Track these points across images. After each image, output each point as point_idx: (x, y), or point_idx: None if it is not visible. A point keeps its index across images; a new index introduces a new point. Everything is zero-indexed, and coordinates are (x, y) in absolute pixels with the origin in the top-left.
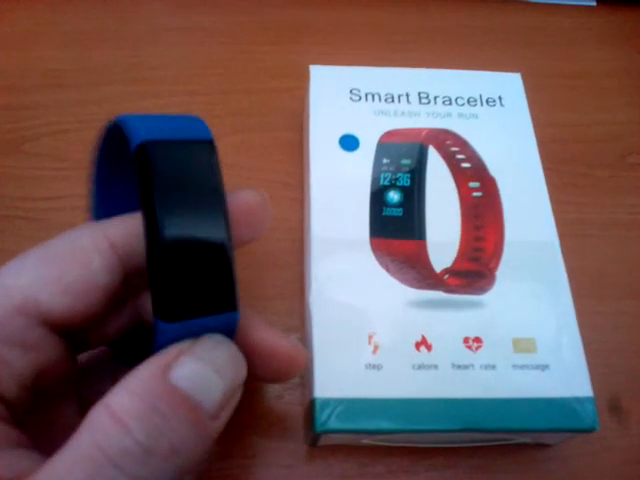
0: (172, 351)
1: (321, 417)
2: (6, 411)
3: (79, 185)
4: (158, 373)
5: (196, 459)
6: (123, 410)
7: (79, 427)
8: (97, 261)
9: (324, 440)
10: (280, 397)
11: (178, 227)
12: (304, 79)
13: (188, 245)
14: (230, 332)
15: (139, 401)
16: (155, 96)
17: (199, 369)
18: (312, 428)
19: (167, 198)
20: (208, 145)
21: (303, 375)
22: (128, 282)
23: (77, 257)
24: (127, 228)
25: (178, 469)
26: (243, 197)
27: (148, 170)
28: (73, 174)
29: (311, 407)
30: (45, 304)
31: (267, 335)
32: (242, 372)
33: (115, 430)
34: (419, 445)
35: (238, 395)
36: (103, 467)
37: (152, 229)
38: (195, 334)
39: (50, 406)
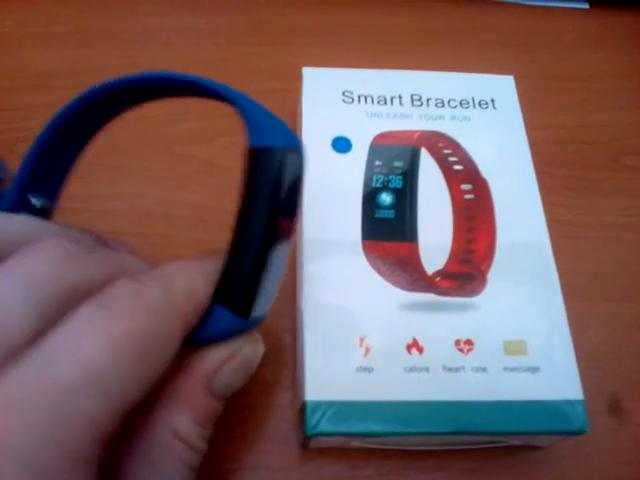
0: (215, 360)
1: (312, 420)
2: None
3: (72, 186)
4: (205, 387)
5: None
6: (189, 436)
7: (150, 446)
8: (174, 350)
9: (315, 443)
10: (271, 399)
11: (275, 243)
12: (297, 81)
13: (273, 259)
14: (257, 325)
15: (198, 427)
16: None
17: (235, 378)
18: (303, 431)
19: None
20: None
21: (294, 378)
22: None
23: (163, 351)
24: (198, 310)
25: None
26: None
27: (280, 180)
28: None
29: (302, 410)
30: (134, 403)
31: None
32: (259, 359)
33: (186, 448)
34: (410, 448)
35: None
36: (188, 472)
37: (260, 234)
38: (243, 330)
39: None
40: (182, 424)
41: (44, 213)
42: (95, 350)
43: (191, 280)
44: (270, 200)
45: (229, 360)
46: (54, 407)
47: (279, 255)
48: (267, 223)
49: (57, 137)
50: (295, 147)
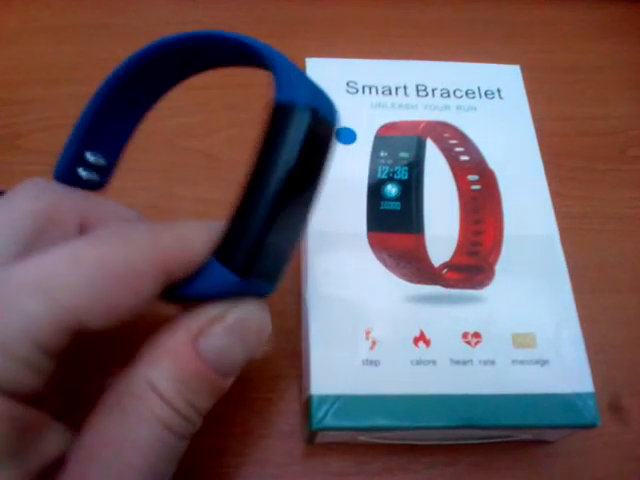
0: (203, 317)
1: (318, 414)
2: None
3: None
4: (189, 343)
5: None
6: (168, 392)
7: (122, 396)
8: (147, 289)
9: (321, 437)
10: (276, 394)
11: (286, 204)
12: None
13: (284, 221)
14: (262, 296)
15: (179, 384)
16: None
17: (226, 342)
18: (309, 425)
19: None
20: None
21: (300, 371)
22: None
23: (130, 281)
24: (183, 249)
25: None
26: None
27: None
28: None
29: (308, 404)
30: (88, 324)
31: None
32: (265, 338)
33: (166, 407)
34: (418, 442)
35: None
36: (165, 432)
37: (271, 189)
38: (240, 292)
39: None
40: (160, 378)
41: (100, 171)
42: (55, 259)
43: (187, 229)
44: (286, 153)
45: (219, 319)
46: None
47: (292, 215)
48: (280, 178)
49: (116, 95)
50: (323, 106)
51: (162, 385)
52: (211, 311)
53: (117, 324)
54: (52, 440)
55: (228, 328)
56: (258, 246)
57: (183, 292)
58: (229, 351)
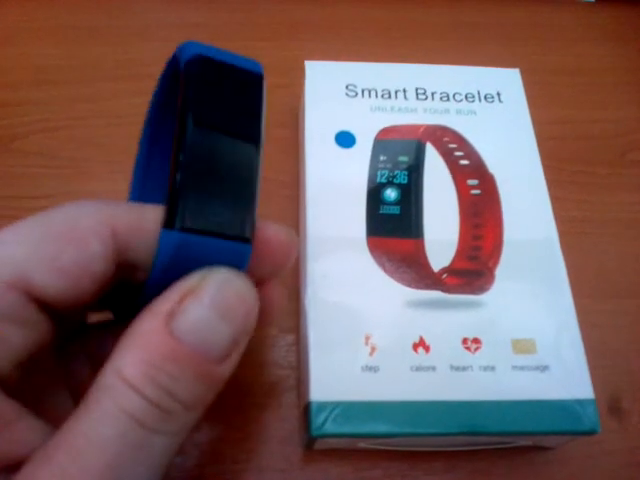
0: (174, 295)
1: (317, 421)
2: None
3: (70, 183)
4: (160, 326)
5: (208, 404)
6: (135, 377)
7: (92, 391)
8: (95, 246)
9: (320, 444)
10: (275, 400)
11: (209, 134)
12: (299, 76)
13: (215, 152)
14: (239, 266)
15: (147, 367)
16: (147, 93)
17: (204, 317)
18: (308, 432)
19: (206, 103)
20: (257, 76)
21: (298, 377)
22: (120, 273)
23: (74, 236)
24: (133, 218)
25: (198, 415)
26: (275, 231)
27: (189, 85)
28: (63, 172)
29: (307, 410)
30: (38, 283)
31: (267, 229)
32: (252, 309)
33: (132, 394)
34: (417, 449)
35: (252, 331)
36: (132, 425)
37: (182, 134)
38: (200, 261)
39: (38, 384)
40: (128, 364)
41: None
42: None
43: (142, 207)
44: (185, 94)
45: (191, 294)
46: None
47: (220, 160)
48: (183, 121)
49: (158, 128)
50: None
51: (129, 371)
52: (181, 286)
53: (77, 293)
54: (22, 435)
55: (202, 301)
56: (183, 192)
57: (148, 281)
58: (209, 328)
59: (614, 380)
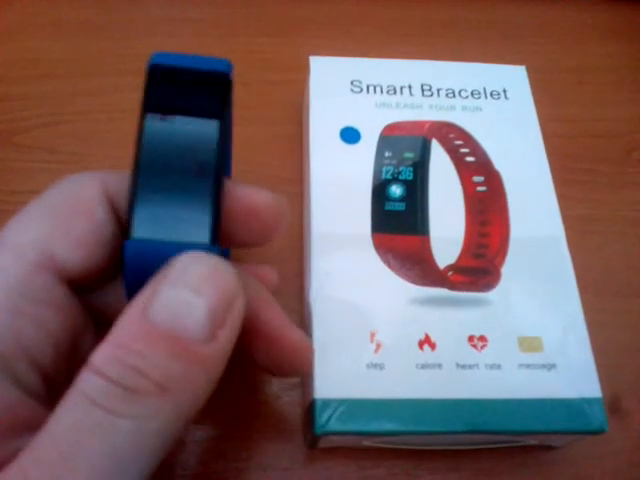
0: (149, 286)
1: (321, 418)
2: (42, 385)
3: None
4: (137, 315)
5: (200, 391)
6: (99, 361)
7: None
8: (100, 212)
9: (324, 442)
10: (278, 397)
11: (162, 139)
12: (303, 72)
13: (172, 147)
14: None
15: (115, 348)
16: None
17: (174, 295)
18: (312, 430)
19: (159, 117)
20: (221, 76)
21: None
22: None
23: (81, 208)
24: (122, 183)
25: (181, 404)
26: (253, 195)
27: (148, 87)
28: (65, 167)
29: (311, 408)
30: (60, 259)
31: (254, 194)
32: (228, 281)
33: (93, 377)
34: (422, 447)
35: (238, 306)
36: (89, 409)
37: (138, 146)
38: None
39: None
40: (97, 351)
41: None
42: (12, 222)
43: (124, 174)
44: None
45: (163, 278)
46: None
47: (177, 146)
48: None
49: None
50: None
51: (96, 357)
52: (154, 279)
53: (94, 262)
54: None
55: (171, 281)
56: (139, 199)
57: (126, 290)
58: (181, 304)
59: (620, 379)
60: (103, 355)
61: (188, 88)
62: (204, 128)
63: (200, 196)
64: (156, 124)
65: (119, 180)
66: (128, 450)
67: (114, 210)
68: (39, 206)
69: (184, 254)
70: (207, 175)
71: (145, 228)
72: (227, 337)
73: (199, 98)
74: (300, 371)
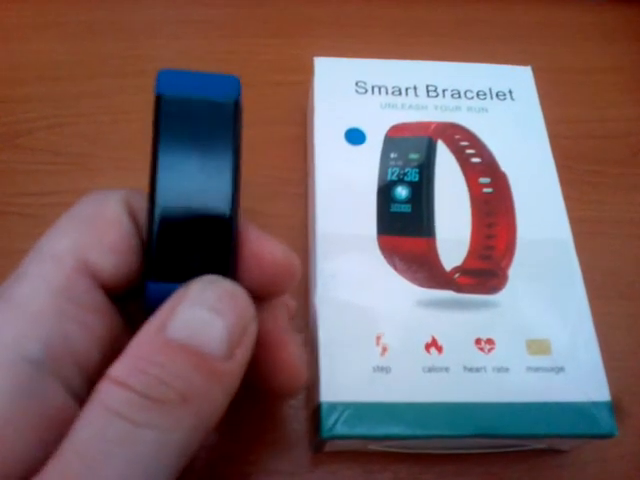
0: (166, 306)
1: (328, 422)
2: (87, 389)
3: (75, 180)
4: (154, 333)
5: (218, 404)
6: (120, 372)
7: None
8: (128, 223)
9: (330, 446)
10: (283, 401)
11: (178, 191)
12: (307, 73)
13: (186, 209)
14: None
15: (136, 360)
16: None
17: (192, 314)
18: (318, 434)
19: (172, 157)
20: (229, 107)
21: (308, 378)
22: None
23: (109, 219)
24: (144, 200)
25: (201, 416)
26: (271, 247)
27: (157, 124)
28: (69, 169)
29: (317, 412)
30: (94, 265)
31: (264, 241)
32: (244, 305)
33: (115, 388)
34: (429, 451)
35: (252, 330)
36: (112, 420)
37: (152, 190)
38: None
39: None
40: (117, 365)
41: None
42: (51, 234)
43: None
44: (154, 153)
45: (182, 298)
46: None
47: (188, 213)
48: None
49: None
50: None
51: (116, 370)
52: (170, 300)
53: (126, 268)
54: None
55: (190, 301)
56: (158, 244)
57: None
58: (200, 322)
59: (628, 383)
60: (123, 367)
61: (199, 117)
62: (217, 163)
63: (217, 235)
64: (169, 160)
65: (140, 198)
66: (152, 460)
67: (136, 224)
68: (70, 218)
69: (201, 277)
70: (223, 213)
71: (165, 269)
72: (243, 356)
73: (209, 130)
74: (287, 391)
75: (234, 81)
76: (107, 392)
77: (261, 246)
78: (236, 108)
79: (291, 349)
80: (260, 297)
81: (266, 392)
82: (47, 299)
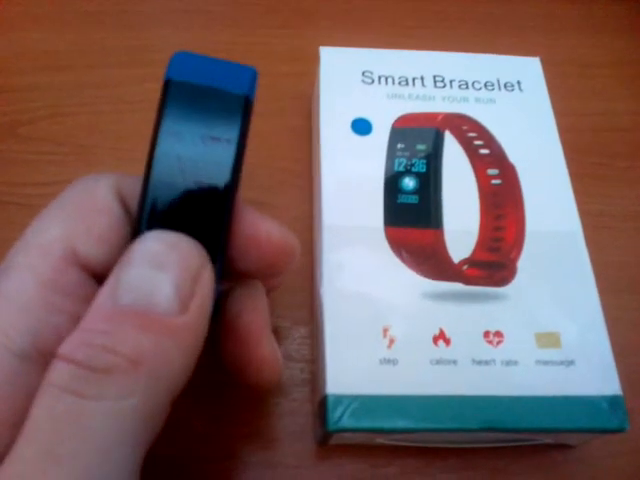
0: (113, 274)
1: (334, 415)
2: None
3: (77, 170)
4: (102, 303)
5: (176, 362)
6: (65, 348)
7: None
8: (118, 210)
9: (335, 439)
10: (288, 394)
11: (174, 173)
12: (312, 64)
13: (180, 190)
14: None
15: (81, 334)
16: (156, 80)
17: (136, 275)
18: (324, 426)
19: (172, 141)
20: (239, 100)
21: (313, 371)
22: None
23: (98, 206)
24: (134, 185)
25: (156, 377)
26: (268, 228)
27: (162, 108)
28: (70, 159)
29: (323, 404)
30: (84, 255)
31: (261, 222)
32: (191, 254)
33: (61, 365)
34: (435, 445)
35: (206, 278)
36: (60, 397)
37: (148, 170)
38: None
39: None
40: (65, 342)
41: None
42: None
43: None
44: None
45: (123, 262)
46: None
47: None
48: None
49: None
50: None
51: (64, 346)
52: (115, 268)
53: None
54: None
55: (130, 262)
56: (141, 230)
57: None
58: (144, 280)
59: (635, 377)
60: (70, 342)
61: (206, 106)
62: (220, 151)
63: (211, 217)
64: (169, 144)
65: (131, 182)
66: (108, 433)
67: (127, 210)
68: (58, 206)
69: (141, 236)
70: (219, 196)
71: None
72: (199, 308)
73: (217, 120)
74: (261, 385)
75: (251, 73)
76: (54, 370)
77: (258, 226)
78: (247, 102)
79: (267, 343)
80: (259, 277)
81: (240, 383)
82: (35, 290)
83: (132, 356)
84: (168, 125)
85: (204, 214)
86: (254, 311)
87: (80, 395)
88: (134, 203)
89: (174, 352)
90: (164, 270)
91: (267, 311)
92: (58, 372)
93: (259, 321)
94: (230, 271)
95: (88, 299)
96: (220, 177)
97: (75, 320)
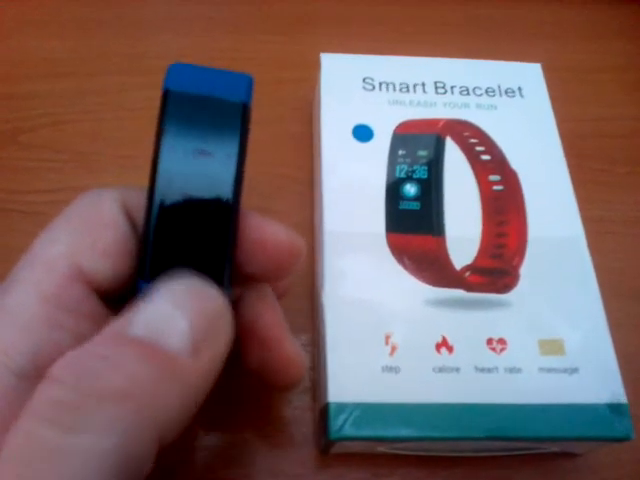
0: (129, 307)
1: (336, 423)
2: None
3: (78, 177)
4: (113, 330)
5: (171, 403)
6: (57, 368)
7: None
8: (124, 225)
9: (337, 448)
10: (289, 402)
11: (178, 189)
12: (312, 70)
13: (185, 208)
14: None
15: (77, 352)
16: (157, 87)
17: (155, 309)
18: (326, 435)
19: (174, 154)
20: (237, 107)
21: (314, 378)
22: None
23: (104, 221)
24: (140, 199)
25: (145, 415)
26: (273, 230)
27: (162, 119)
28: (71, 166)
29: (325, 412)
30: (88, 270)
31: (266, 226)
32: (212, 302)
33: (46, 386)
34: (438, 454)
35: (223, 327)
36: (37, 426)
37: (151, 187)
38: None
39: None
40: (58, 362)
41: None
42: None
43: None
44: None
45: (145, 298)
46: None
47: (184, 216)
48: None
49: None
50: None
51: (56, 365)
52: (134, 302)
53: (120, 272)
54: None
55: (152, 299)
56: (154, 246)
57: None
58: (160, 317)
59: (633, 385)
60: (62, 360)
61: (206, 115)
62: (221, 159)
63: (215, 236)
64: (171, 157)
65: (136, 196)
66: (84, 473)
67: (133, 223)
68: (63, 221)
69: (169, 274)
70: (223, 214)
71: (160, 268)
72: (211, 355)
73: (214, 129)
74: (289, 383)
75: (247, 80)
76: (38, 394)
77: (263, 229)
78: (245, 109)
79: (289, 342)
80: (267, 281)
81: (269, 385)
82: (38, 307)
83: (122, 386)
84: (169, 138)
85: (209, 224)
86: (270, 312)
87: (59, 425)
88: (140, 216)
89: (173, 392)
90: (182, 309)
91: (281, 311)
92: (41, 397)
93: (277, 322)
94: (238, 276)
95: (91, 315)
96: (224, 184)
97: (77, 336)
